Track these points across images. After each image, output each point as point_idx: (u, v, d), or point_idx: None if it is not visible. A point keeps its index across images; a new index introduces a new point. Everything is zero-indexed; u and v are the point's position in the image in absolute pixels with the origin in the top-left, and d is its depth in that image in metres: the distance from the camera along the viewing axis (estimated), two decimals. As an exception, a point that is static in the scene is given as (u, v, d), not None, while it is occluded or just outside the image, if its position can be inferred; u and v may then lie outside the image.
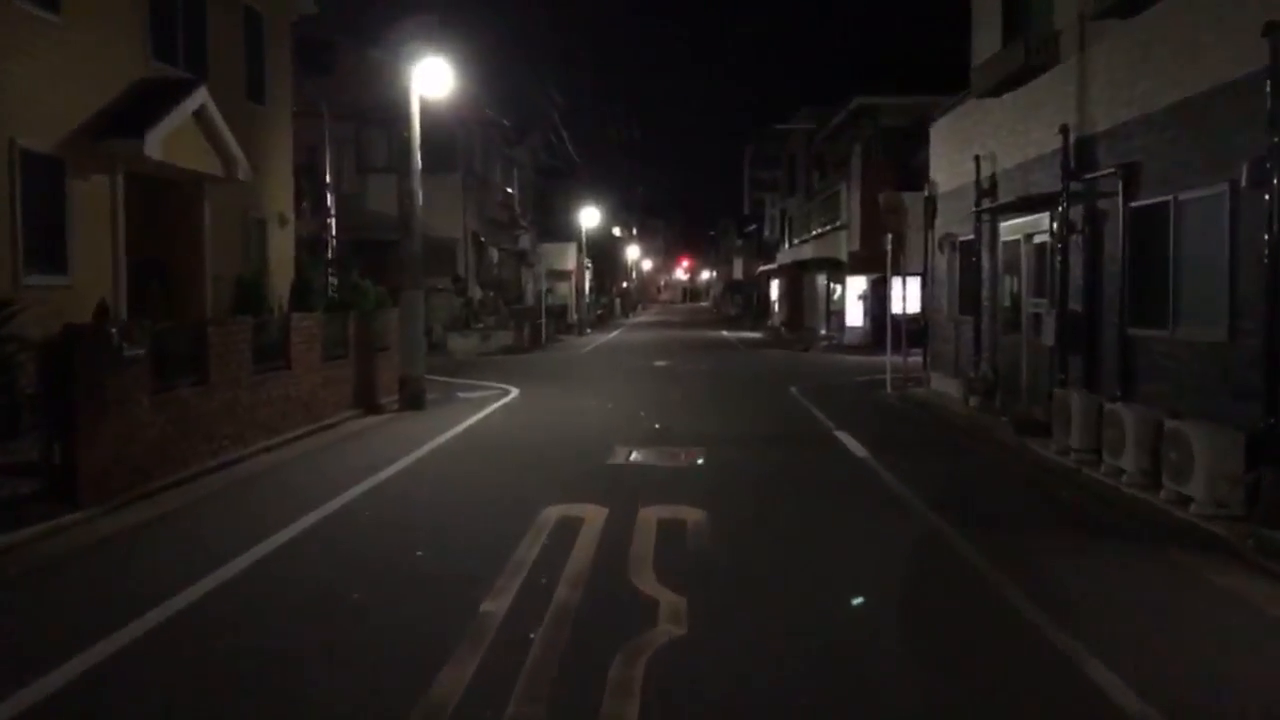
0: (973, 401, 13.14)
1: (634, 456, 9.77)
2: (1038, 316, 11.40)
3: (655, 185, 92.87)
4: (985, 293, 13.39)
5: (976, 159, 13.33)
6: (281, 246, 15.77)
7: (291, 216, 16.55)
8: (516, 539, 6.43)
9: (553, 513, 7.18)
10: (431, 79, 14.22)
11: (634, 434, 11.32)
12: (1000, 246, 12.89)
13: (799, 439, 11.29)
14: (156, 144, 11.34)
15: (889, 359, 16.57)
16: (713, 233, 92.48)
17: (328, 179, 24.67)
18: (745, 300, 56.04)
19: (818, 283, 31.64)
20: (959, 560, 6.13)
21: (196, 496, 8.08)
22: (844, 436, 11.17)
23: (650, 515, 7.08)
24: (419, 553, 6.32)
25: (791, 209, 37.38)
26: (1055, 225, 10.68)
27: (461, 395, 15.93)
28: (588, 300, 48.64)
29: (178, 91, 12.13)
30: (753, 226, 55.40)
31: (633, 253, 75.59)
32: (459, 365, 22.49)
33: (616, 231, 68.75)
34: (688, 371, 20.39)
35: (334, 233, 24.52)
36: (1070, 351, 10.39)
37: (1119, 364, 9.41)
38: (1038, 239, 11.62)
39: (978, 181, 13.34)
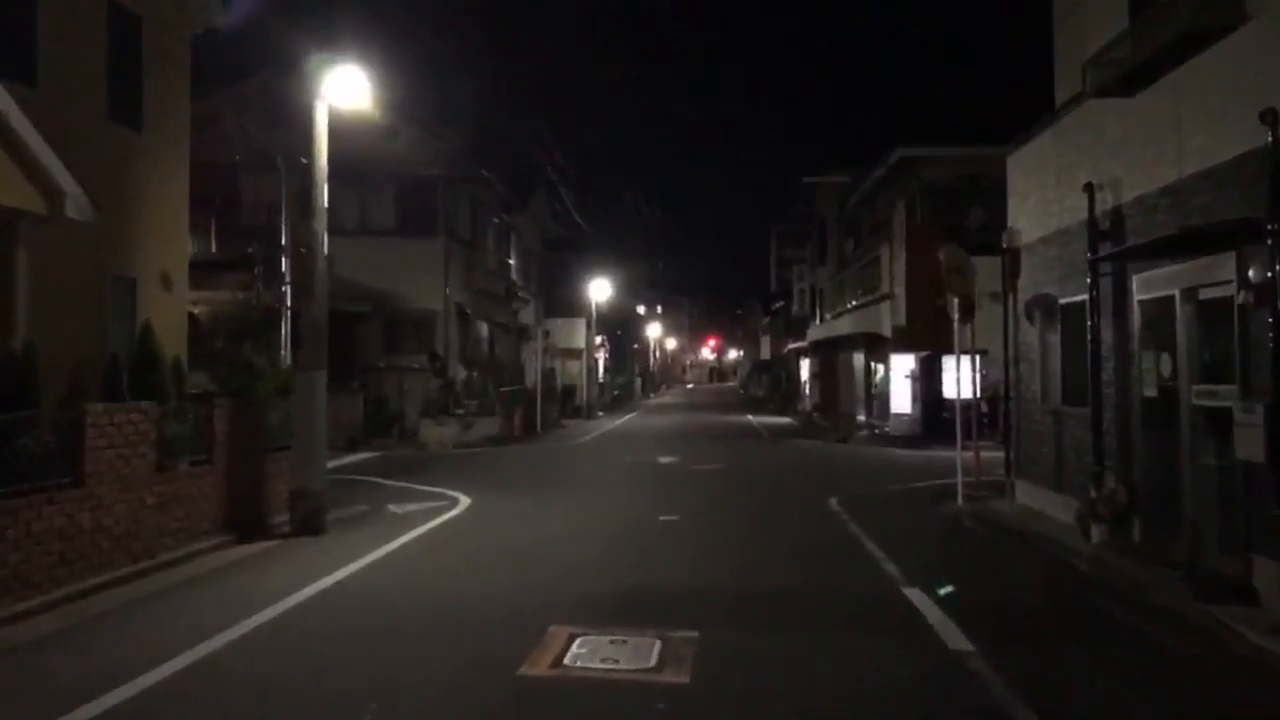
0: (1096, 534, 9.05)
1: (573, 653, 5.78)
2: (1217, 414, 7.38)
3: (680, 264, 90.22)
4: (1109, 375, 9.40)
5: (1089, 188, 9.49)
6: (166, 314, 12.14)
7: (183, 278, 12.98)
8: None
9: None
10: (345, 88, 10.71)
11: (594, 593, 7.35)
12: (1134, 309, 8.95)
13: (851, 608, 7.22)
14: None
15: (959, 458, 12.50)
16: (739, 311, 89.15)
17: (284, 242, 21.30)
18: (773, 381, 52.07)
19: (854, 362, 27.69)
20: None
21: None
22: (920, 602, 7.11)
23: None
24: None
25: (822, 280, 33.65)
26: (1252, 272, 6.76)
27: (392, 508, 12.05)
28: (602, 380, 44.92)
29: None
30: (780, 303, 51.79)
31: (655, 331, 72.11)
32: (426, 460, 18.65)
33: (641, 310, 65.48)
34: (698, 474, 16.34)
35: (289, 303, 21.04)
36: (1293, 471, 6.38)
37: None
38: (1207, 294, 7.68)
39: (1091, 220, 9.48)
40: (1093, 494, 9.20)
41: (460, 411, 22.34)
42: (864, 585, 7.84)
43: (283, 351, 21.15)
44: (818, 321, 34.44)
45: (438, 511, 11.76)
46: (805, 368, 37.72)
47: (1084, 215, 9.74)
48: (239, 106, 22.59)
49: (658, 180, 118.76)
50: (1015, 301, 12.32)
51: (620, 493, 13.60)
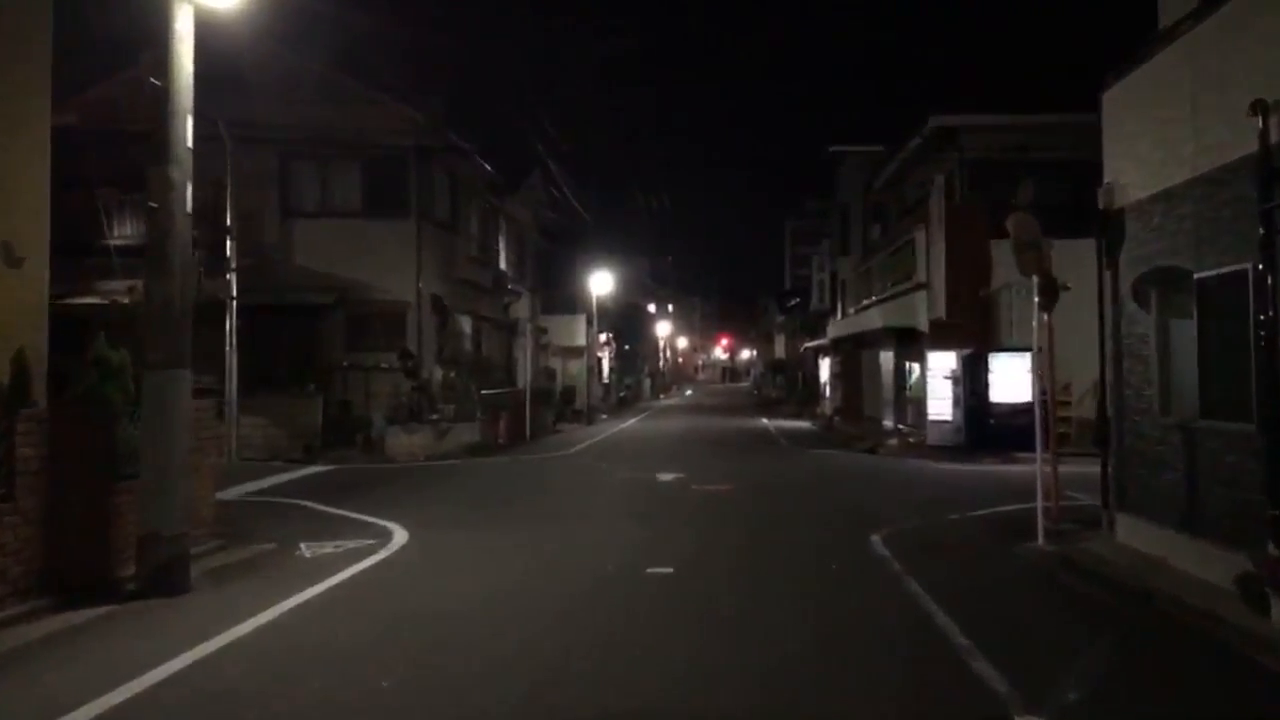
0: (1278, 611, 6.15)
1: None
2: None
3: (692, 262, 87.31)
4: (1292, 377, 6.49)
5: (1260, 109, 6.57)
6: (7, 294, 9.34)
7: (40, 251, 10.17)
8: None
9: None
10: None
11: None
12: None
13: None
14: None
15: (1039, 481, 9.58)
16: (754, 308, 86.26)
17: (229, 223, 18.61)
18: (789, 382, 49.15)
19: (881, 360, 24.77)
20: None
21: None
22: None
23: None
24: None
25: (844, 271, 30.72)
26: None
27: (304, 549, 9.26)
28: (607, 381, 42.10)
29: None
30: (795, 301, 48.89)
31: (665, 329, 69.24)
32: (387, 476, 15.89)
33: (652, 308, 62.63)
34: (704, 498, 13.44)
35: (235, 293, 18.34)
36: None
37: None
38: None
39: (1264, 152, 6.56)
40: (1274, 551, 6.29)
41: (434, 417, 19.54)
42: (947, 697, 4.98)
43: (229, 348, 18.48)
44: (839, 316, 31.52)
45: (358, 555, 8.95)
46: (825, 367, 34.78)
47: (1238, 153, 6.86)
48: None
49: (666, 166, 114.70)
50: (1114, 280, 9.43)
51: (602, 527, 10.73)
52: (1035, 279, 9.98)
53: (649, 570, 8.08)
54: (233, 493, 13.45)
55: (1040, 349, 10.50)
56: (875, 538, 9.78)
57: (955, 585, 7.68)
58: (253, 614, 6.77)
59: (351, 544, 9.49)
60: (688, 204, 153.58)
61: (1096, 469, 12.96)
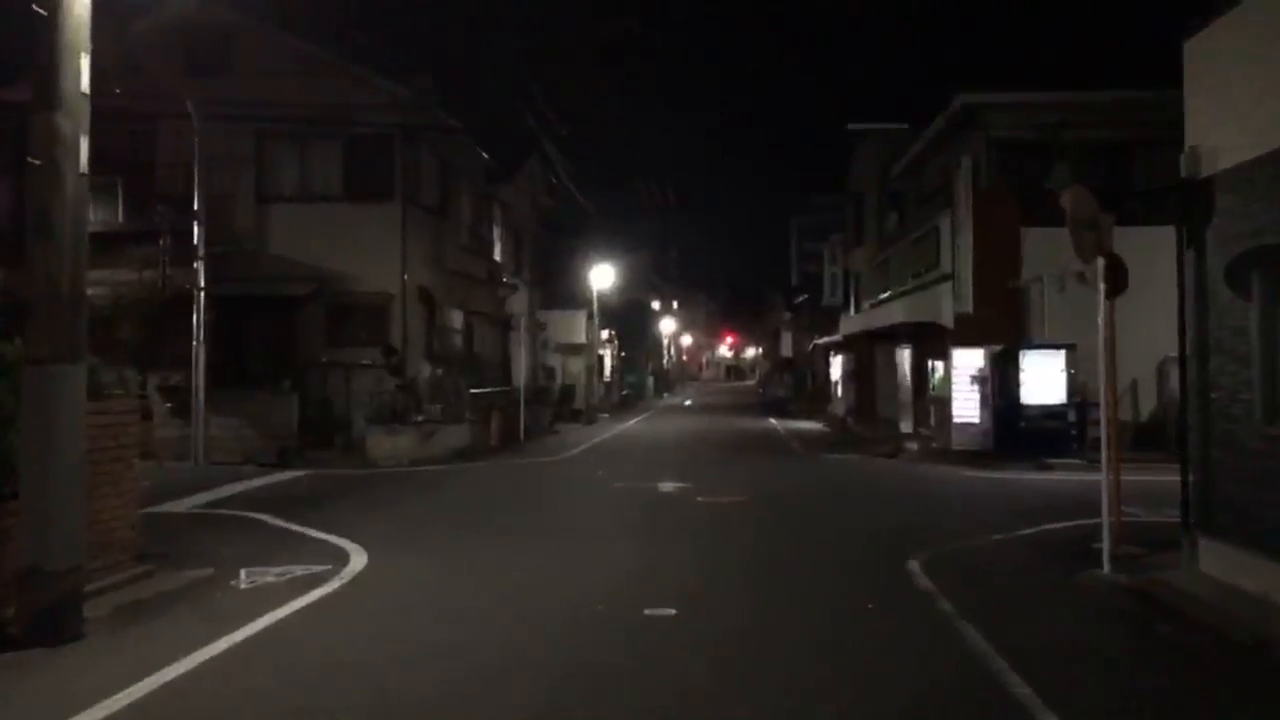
0: None
1: None
2: None
3: (697, 258, 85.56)
4: None
5: None
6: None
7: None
8: None
9: None
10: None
11: None
12: None
13: None
14: None
15: (1104, 491, 8.14)
16: (761, 303, 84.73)
17: (195, 207, 17.25)
18: (797, 381, 47.68)
19: (899, 358, 23.29)
20: None
21: None
22: None
23: None
24: None
25: (858, 264, 29.23)
26: None
27: (244, 576, 7.87)
28: (609, 379, 40.67)
29: None
30: (803, 297, 47.38)
31: (669, 326, 67.75)
32: (362, 483, 14.52)
33: (656, 305, 61.14)
34: (712, 512, 11.98)
35: (203, 283, 16.97)
36: None
37: None
38: None
39: None
40: None
41: (420, 419, 18.12)
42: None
43: (195, 343, 17.08)
44: (852, 312, 30.04)
45: (303, 586, 7.54)
46: (836, 366, 33.31)
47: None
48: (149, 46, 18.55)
49: (669, 156, 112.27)
50: (1197, 263, 7.98)
51: (593, 550, 9.27)
52: (1099, 262, 8.52)
53: (647, 611, 6.64)
54: (185, 504, 12.09)
55: (1102, 343, 9.03)
56: (913, 564, 8.35)
57: (1022, 633, 6.25)
58: (149, 671, 5.38)
59: (300, 570, 8.07)
60: (692, 197, 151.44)
61: (1144, 478, 11.65)
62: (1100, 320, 8.58)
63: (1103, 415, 8.50)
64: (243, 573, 8.01)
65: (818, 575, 8.18)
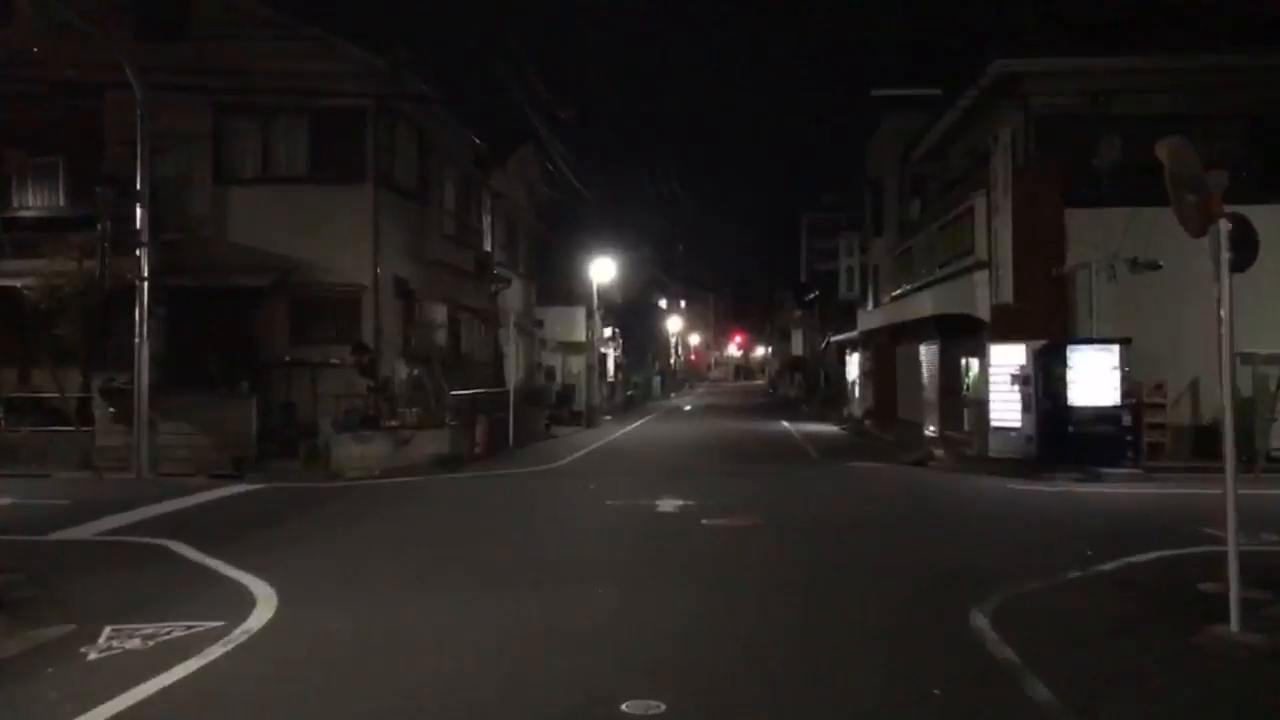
0: None
1: None
2: None
3: (705, 257, 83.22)
4: None
5: None
6: None
7: None
8: None
9: None
10: None
11: None
12: None
13: None
14: None
15: (1230, 516, 6.16)
16: (768, 304, 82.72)
17: (139, 187, 15.41)
18: (809, 381, 45.70)
19: (923, 355, 21.33)
20: None
21: None
22: None
23: None
24: None
25: (878, 254, 27.25)
26: None
27: (106, 638, 6.01)
28: (613, 379, 38.75)
29: None
30: (814, 294, 45.40)
31: (676, 325, 65.82)
32: (320, 498, 12.70)
33: (663, 303, 59.21)
34: (716, 540, 9.99)
35: (145, 273, 15.14)
36: None
37: None
38: None
39: None
40: None
41: (394, 424, 16.24)
42: None
43: (138, 340, 15.20)
44: (870, 306, 28.07)
45: (176, 653, 5.65)
46: (853, 364, 31.34)
47: None
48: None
49: (675, 147, 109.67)
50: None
51: (566, 602, 7.23)
52: (1221, 226, 6.56)
53: (625, 707, 4.69)
54: (95, 528, 10.23)
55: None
56: (980, 618, 6.42)
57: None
58: None
59: (179, 629, 6.18)
60: (700, 191, 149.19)
61: (1209, 490, 9.78)
62: (1220, 299, 6.61)
63: (1227, 418, 6.53)
64: (105, 631, 6.14)
65: (855, 643, 6.20)
